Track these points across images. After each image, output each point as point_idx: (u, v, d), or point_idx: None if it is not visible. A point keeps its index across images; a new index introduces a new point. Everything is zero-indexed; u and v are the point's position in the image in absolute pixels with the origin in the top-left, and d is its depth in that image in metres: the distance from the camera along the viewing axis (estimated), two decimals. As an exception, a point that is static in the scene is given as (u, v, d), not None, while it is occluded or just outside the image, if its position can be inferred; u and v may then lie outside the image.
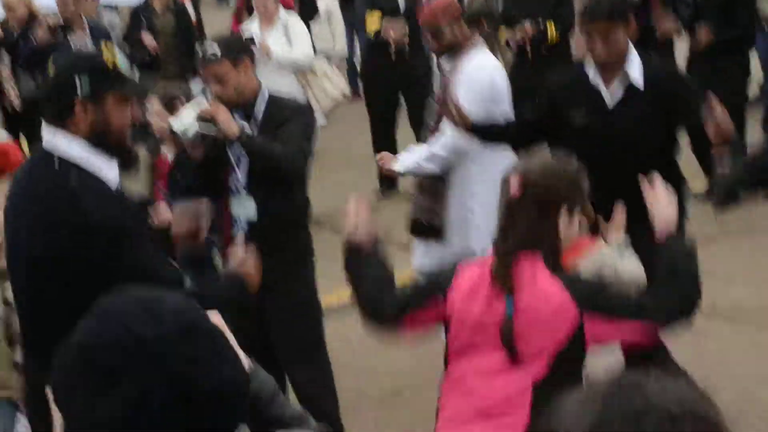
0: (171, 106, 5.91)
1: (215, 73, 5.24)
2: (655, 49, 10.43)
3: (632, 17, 5.30)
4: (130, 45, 11.02)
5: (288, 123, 5.21)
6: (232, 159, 5.29)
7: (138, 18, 11.32)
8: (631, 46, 5.27)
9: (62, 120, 3.57)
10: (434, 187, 6.35)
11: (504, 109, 6.32)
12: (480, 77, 6.27)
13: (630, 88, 5.24)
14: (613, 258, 3.71)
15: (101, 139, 3.58)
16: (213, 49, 5.26)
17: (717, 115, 4.82)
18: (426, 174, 6.34)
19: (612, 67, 5.23)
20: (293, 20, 9.83)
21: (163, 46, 11.06)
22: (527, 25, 9.41)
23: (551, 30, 9.45)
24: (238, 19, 11.41)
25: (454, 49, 6.40)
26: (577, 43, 9.20)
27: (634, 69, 5.24)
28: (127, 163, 3.79)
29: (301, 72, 9.65)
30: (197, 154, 5.30)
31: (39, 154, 3.67)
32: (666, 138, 5.31)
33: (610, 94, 5.27)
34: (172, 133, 5.31)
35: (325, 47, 11.77)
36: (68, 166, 3.56)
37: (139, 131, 6.11)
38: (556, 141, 5.16)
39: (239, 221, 5.33)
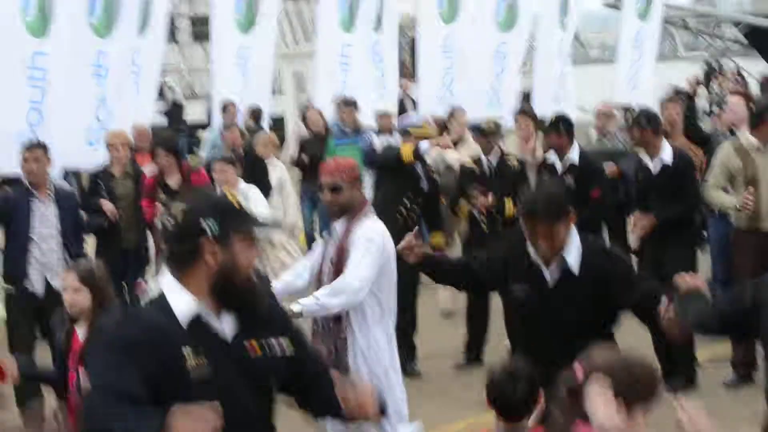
0: None
1: None
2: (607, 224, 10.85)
3: (570, 210, 5.53)
4: (89, 211, 10.75)
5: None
6: None
7: (96, 183, 11.41)
8: (571, 232, 5.51)
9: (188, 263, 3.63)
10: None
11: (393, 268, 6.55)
12: (375, 240, 6.39)
13: (567, 270, 5.49)
14: None
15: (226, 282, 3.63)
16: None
17: (668, 315, 5.12)
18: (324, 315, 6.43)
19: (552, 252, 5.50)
20: (253, 190, 10.05)
21: (122, 212, 11.06)
22: (485, 198, 9.83)
23: (509, 205, 9.80)
24: None
25: (349, 212, 6.47)
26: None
27: (572, 255, 5.50)
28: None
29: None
30: None
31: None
32: (601, 316, 5.55)
33: (549, 274, 5.53)
34: None
35: (276, 217, 11.96)
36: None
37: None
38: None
39: None
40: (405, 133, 10.34)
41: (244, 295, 3.64)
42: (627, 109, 16.27)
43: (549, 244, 5.41)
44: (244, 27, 16.54)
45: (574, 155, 9.93)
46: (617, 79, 19.31)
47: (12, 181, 9.72)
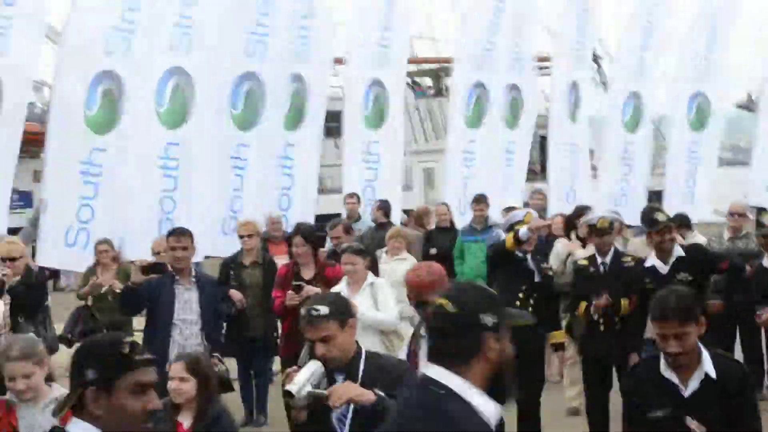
0: None
1: (322, 334, 5.21)
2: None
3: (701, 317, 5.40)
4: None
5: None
6: (335, 420, 5.26)
7: (226, 271, 11.63)
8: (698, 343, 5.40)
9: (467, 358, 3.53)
10: None
11: None
12: None
13: (706, 380, 5.36)
14: None
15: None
16: (321, 309, 5.23)
17: None
18: None
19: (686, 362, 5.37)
20: (380, 282, 10.02)
21: (250, 300, 11.29)
22: (600, 299, 9.78)
23: (624, 304, 9.79)
24: None
25: None
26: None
27: (707, 363, 5.37)
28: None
29: (386, 333, 9.76)
30: (301, 417, 5.23)
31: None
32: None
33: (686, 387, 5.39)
34: (288, 395, 5.14)
35: (406, 310, 11.99)
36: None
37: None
38: None
39: None
40: (510, 229, 10.28)
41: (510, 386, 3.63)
42: (760, 210, 16.04)
43: (680, 345, 5.26)
44: (373, 123, 16.81)
45: (677, 250, 9.90)
46: (752, 180, 19.06)
47: (156, 267, 9.91)
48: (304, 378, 5.09)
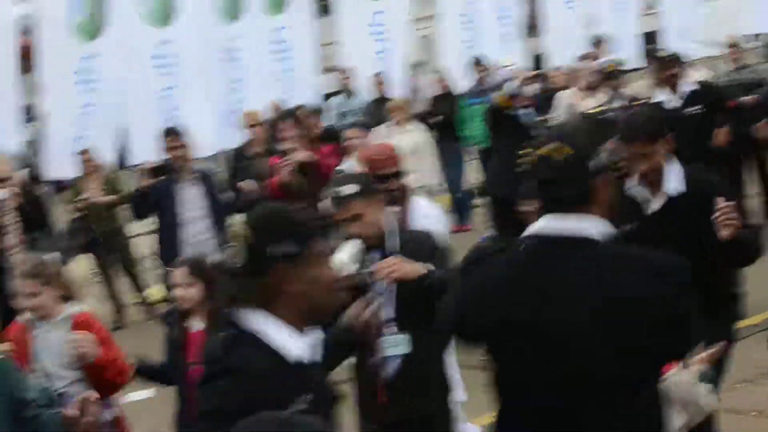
0: None
1: (352, 212, 5.14)
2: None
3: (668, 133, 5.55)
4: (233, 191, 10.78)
5: (435, 261, 5.12)
6: (382, 297, 5.17)
7: (236, 163, 11.65)
8: (671, 158, 5.54)
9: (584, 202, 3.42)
10: None
11: None
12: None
13: (669, 199, 5.51)
14: (690, 382, 3.59)
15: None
16: (348, 188, 5.15)
17: None
18: None
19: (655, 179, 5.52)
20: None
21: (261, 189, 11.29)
22: None
23: None
24: None
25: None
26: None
27: (671, 183, 5.52)
28: None
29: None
30: (345, 300, 4.92)
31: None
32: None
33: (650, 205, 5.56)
34: None
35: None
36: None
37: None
38: None
39: (391, 360, 5.19)
40: (499, 88, 10.16)
41: None
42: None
43: (646, 167, 5.43)
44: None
45: (687, 86, 9.81)
46: (745, 8, 18.81)
47: (161, 169, 9.95)
48: (345, 257, 4.89)
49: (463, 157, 14.41)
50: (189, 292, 5.86)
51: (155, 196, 9.43)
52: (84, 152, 11.99)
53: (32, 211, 9.82)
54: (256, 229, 3.22)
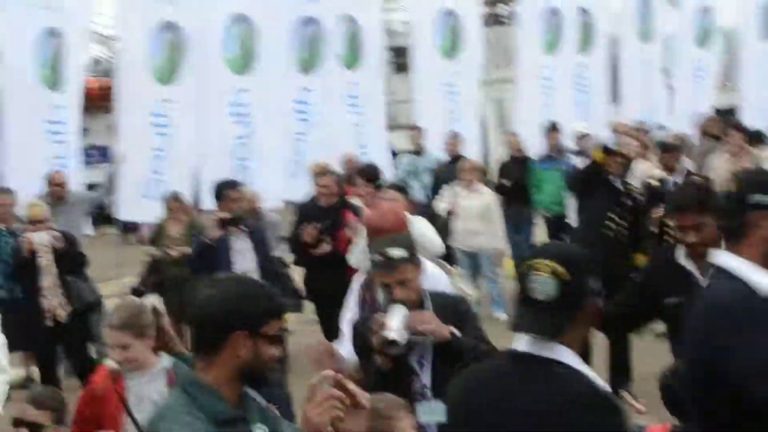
0: None
1: (400, 277, 5.07)
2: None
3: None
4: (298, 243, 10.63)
5: (463, 324, 5.11)
6: (415, 365, 5.11)
7: (302, 214, 11.55)
8: None
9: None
10: None
11: None
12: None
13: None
14: None
15: None
16: (398, 252, 5.08)
17: None
18: None
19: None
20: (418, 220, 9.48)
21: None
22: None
23: None
24: None
25: None
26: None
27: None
28: None
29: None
30: (387, 364, 5.00)
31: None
32: None
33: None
34: (389, 344, 4.93)
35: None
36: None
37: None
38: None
39: (429, 427, 5.06)
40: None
41: None
42: None
43: (698, 235, 5.34)
44: (448, 53, 16.63)
45: None
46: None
47: (234, 221, 9.78)
48: (398, 323, 4.91)
49: (533, 221, 14.26)
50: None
51: (206, 253, 9.33)
52: (170, 195, 11.87)
53: (68, 254, 9.77)
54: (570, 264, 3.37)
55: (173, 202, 11.77)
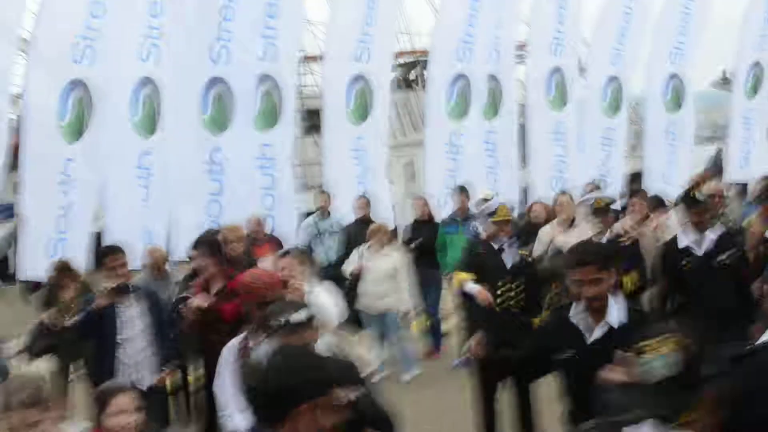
0: None
1: (302, 342, 5.21)
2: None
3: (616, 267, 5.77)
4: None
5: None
6: None
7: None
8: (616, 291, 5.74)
9: None
10: None
11: None
12: None
13: (610, 329, 5.67)
14: None
15: None
16: (298, 315, 5.37)
17: None
18: None
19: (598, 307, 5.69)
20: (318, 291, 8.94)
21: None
22: None
23: (626, 281, 9.55)
24: None
25: None
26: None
27: (612, 315, 5.68)
28: None
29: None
30: None
31: None
32: None
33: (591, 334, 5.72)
34: None
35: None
36: None
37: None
38: None
39: None
40: (485, 219, 10.10)
41: None
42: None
43: (596, 290, 5.56)
44: (357, 118, 16.80)
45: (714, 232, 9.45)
46: (729, 157, 19.21)
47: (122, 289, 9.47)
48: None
49: (442, 282, 14.37)
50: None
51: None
52: (60, 261, 11.43)
53: None
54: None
55: (62, 269, 11.19)
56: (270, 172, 15.41)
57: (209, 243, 9.78)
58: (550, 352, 5.83)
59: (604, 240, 10.09)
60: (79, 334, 9.46)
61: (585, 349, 5.67)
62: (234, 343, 6.49)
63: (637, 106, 21.08)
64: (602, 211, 10.29)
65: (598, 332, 5.66)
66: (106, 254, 9.22)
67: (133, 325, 8.92)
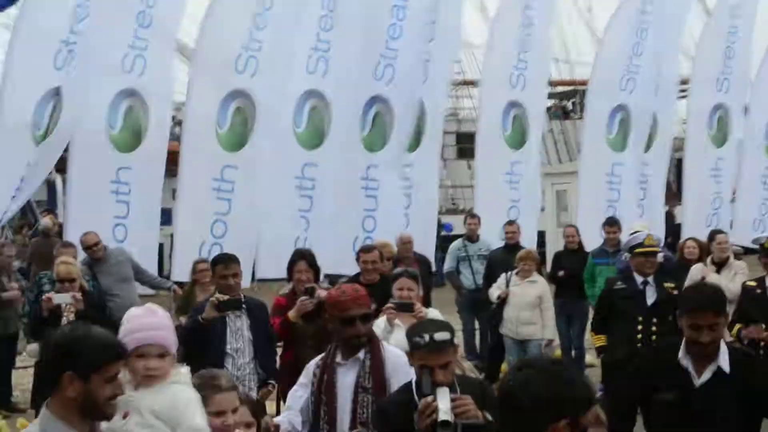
0: None
1: (444, 360, 5.17)
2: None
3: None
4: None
5: (487, 407, 5.17)
6: None
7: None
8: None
9: None
10: None
11: None
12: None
13: (717, 372, 5.50)
14: None
15: None
16: (443, 335, 5.17)
17: None
18: None
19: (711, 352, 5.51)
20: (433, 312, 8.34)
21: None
22: (759, 330, 9.31)
23: None
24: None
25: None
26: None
27: (723, 357, 5.51)
28: None
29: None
30: None
31: None
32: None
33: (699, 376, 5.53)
34: (443, 425, 4.95)
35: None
36: None
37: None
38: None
39: None
40: (631, 252, 9.88)
41: None
42: None
43: (712, 336, 5.40)
44: (513, 144, 16.76)
45: None
46: None
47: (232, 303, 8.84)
48: (448, 405, 5.00)
49: (588, 313, 14.21)
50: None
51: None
52: (200, 261, 11.50)
53: (92, 316, 9.62)
54: None
55: (203, 268, 11.09)
56: (409, 192, 15.47)
57: (311, 256, 9.65)
58: (652, 390, 5.65)
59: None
60: (182, 343, 9.08)
61: (691, 393, 5.51)
62: (316, 359, 6.22)
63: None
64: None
65: (707, 374, 5.50)
66: (217, 263, 8.88)
67: (242, 337, 8.66)
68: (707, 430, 5.41)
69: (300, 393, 6.20)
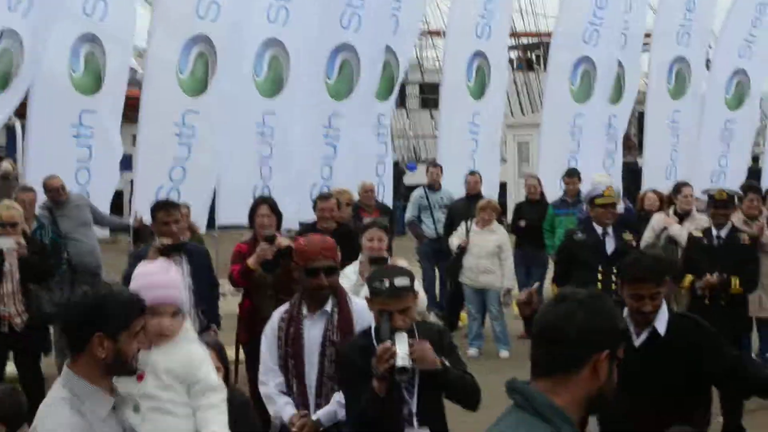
0: None
1: (403, 305, 5.20)
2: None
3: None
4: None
5: (446, 354, 5.26)
6: (405, 392, 5.25)
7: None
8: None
9: None
10: None
11: None
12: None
13: (653, 333, 5.55)
14: None
15: None
16: (403, 281, 5.20)
17: None
18: None
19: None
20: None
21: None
22: (711, 277, 9.47)
23: (735, 283, 9.51)
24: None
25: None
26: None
27: (660, 321, 5.56)
28: None
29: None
30: (383, 389, 5.13)
31: None
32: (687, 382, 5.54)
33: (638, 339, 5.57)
34: (400, 371, 5.04)
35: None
36: None
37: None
38: None
39: None
40: (591, 203, 9.92)
41: None
42: None
43: (653, 305, 5.45)
44: (476, 95, 16.76)
45: None
46: None
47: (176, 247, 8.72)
48: (405, 350, 5.05)
49: (547, 263, 14.31)
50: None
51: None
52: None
53: (35, 262, 9.58)
54: None
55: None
56: (384, 140, 15.50)
57: (273, 202, 9.55)
58: None
59: (723, 234, 9.81)
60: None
61: (631, 354, 5.54)
62: (281, 310, 6.13)
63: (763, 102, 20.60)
64: (723, 204, 9.94)
65: (644, 335, 5.52)
66: (158, 209, 8.74)
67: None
68: (646, 391, 5.40)
69: (273, 350, 6.08)
